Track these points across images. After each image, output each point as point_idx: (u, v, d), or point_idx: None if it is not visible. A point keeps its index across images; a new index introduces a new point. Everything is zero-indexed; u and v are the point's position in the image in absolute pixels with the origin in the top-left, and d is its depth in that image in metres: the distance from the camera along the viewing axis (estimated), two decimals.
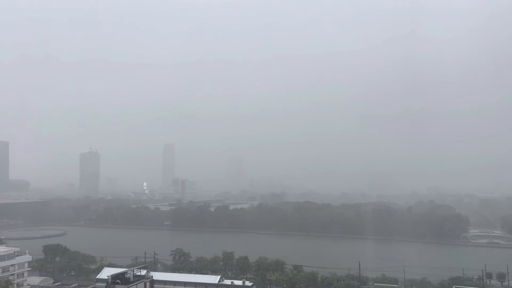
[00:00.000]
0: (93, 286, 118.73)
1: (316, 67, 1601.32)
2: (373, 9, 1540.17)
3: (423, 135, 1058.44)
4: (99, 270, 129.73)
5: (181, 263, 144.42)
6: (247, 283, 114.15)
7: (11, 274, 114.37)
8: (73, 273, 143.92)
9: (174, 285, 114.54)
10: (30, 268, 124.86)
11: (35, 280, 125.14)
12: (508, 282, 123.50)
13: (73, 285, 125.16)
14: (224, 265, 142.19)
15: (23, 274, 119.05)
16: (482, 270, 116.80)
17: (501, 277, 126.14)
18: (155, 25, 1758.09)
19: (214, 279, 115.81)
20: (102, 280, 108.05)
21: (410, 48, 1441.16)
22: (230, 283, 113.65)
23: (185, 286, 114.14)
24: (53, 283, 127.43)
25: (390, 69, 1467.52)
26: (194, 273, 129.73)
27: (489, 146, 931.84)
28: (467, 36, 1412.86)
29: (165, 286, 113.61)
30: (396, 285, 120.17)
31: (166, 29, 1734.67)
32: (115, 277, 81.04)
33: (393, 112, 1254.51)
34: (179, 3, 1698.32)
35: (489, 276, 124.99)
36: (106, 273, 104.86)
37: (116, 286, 78.94)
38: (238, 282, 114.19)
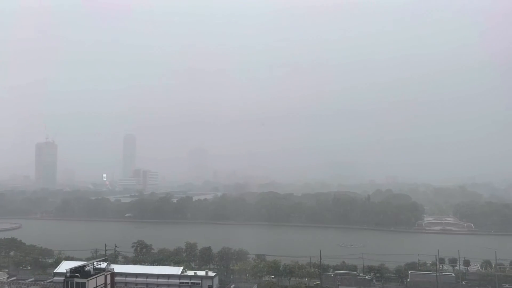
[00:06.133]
0: (51, 280, 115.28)
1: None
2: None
3: (379, 128, 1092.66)
4: (57, 264, 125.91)
5: (143, 255, 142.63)
6: (210, 273, 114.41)
7: None
8: (29, 268, 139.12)
9: (136, 277, 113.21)
10: None
11: None
12: (459, 267, 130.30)
13: (29, 280, 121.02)
14: (187, 256, 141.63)
15: None
16: (436, 255, 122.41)
17: (453, 262, 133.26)
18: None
19: (176, 270, 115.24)
20: (60, 274, 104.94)
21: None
22: (193, 273, 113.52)
23: (147, 278, 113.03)
24: (8, 278, 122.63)
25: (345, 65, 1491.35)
26: (156, 265, 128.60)
27: (443, 138, 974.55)
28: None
29: (127, 279, 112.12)
30: (355, 272, 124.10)
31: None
32: (74, 270, 79.02)
33: (355, 108, 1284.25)
34: None
35: (442, 261, 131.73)
36: (65, 266, 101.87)
37: (75, 279, 77.07)
38: (201, 273, 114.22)
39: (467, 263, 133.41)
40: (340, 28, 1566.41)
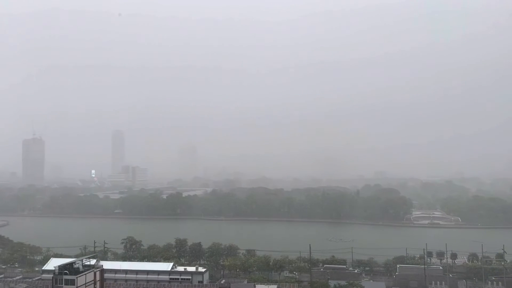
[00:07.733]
0: (39, 277, 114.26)
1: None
2: None
3: (369, 124, 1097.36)
4: (45, 261, 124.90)
5: (133, 251, 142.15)
6: (200, 269, 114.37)
7: None
8: (16, 265, 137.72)
9: (126, 274, 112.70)
10: None
11: None
12: (447, 260, 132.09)
13: (17, 277, 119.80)
14: (177, 252, 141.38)
15: None
16: (424, 249, 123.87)
17: (440, 255, 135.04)
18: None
19: (166, 266, 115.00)
20: (48, 271, 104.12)
21: None
22: (183, 269, 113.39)
23: (136, 274, 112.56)
24: None
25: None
26: (146, 261, 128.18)
27: (430, 134, 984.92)
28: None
29: (116, 275, 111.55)
30: (344, 266, 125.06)
31: None
32: (62, 267, 78.27)
33: (344, 106, 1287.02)
34: None
35: (430, 254, 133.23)
36: (53, 263, 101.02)
37: (64, 276, 76.44)
38: (191, 269, 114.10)
39: (454, 256, 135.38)
40: (333, 30, 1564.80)
